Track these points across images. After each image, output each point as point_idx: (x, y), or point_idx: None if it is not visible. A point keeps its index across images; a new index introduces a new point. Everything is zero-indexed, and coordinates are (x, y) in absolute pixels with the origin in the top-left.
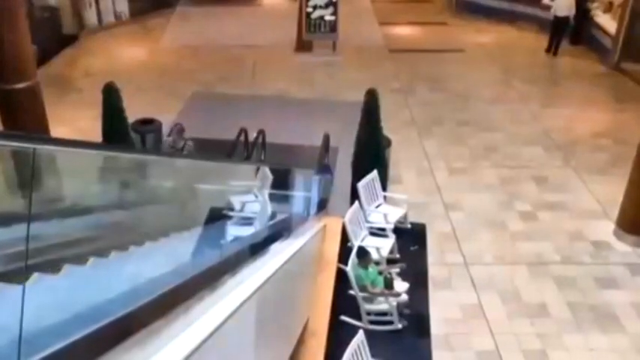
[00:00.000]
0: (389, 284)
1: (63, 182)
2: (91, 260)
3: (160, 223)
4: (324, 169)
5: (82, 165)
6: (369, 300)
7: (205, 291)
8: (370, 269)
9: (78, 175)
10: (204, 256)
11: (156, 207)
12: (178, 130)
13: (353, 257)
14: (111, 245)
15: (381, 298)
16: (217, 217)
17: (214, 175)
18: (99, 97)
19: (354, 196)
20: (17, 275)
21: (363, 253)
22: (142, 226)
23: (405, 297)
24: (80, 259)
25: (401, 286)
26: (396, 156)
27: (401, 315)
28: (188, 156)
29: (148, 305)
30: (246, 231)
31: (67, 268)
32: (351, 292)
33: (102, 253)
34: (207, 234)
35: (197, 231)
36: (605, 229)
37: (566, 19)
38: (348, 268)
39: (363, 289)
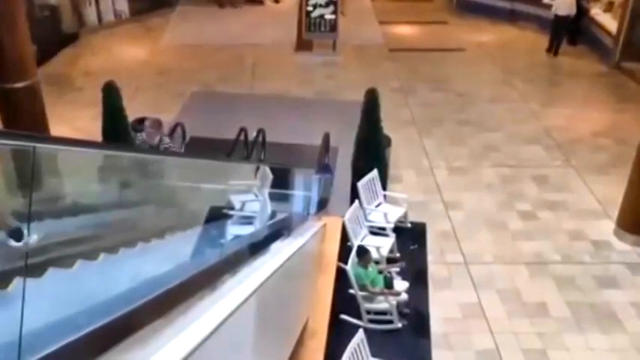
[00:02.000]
0: (389, 283)
1: (63, 181)
2: (83, 261)
3: (159, 223)
4: (324, 168)
5: (81, 164)
6: (369, 299)
7: (205, 290)
8: (370, 268)
9: (79, 175)
10: (203, 255)
11: (154, 206)
12: (152, 124)
13: (353, 256)
14: (109, 246)
15: (380, 297)
16: (217, 216)
17: (211, 174)
18: (99, 96)
19: (354, 195)
20: (20, 272)
21: (362, 252)
22: (139, 225)
23: (404, 296)
24: (71, 261)
25: (401, 285)
26: (396, 155)
27: (401, 314)
28: (189, 155)
29: (148, 304)
30: (246, 230)
31: (62, 268)
32: (351, 291)
33: (95, 254)
34: (207, 233)
35: (197, 230)
36: (605, 228)
37: (566, 18)
38: (348, 267)
39: (362, 288)
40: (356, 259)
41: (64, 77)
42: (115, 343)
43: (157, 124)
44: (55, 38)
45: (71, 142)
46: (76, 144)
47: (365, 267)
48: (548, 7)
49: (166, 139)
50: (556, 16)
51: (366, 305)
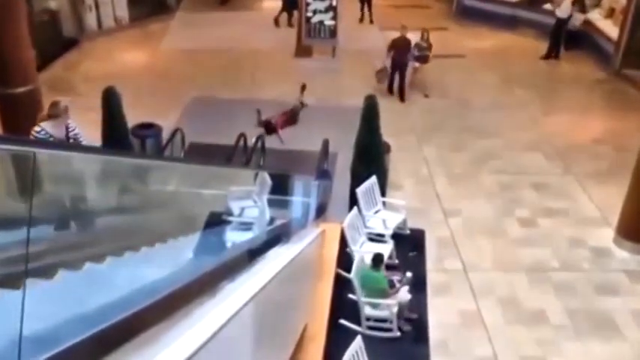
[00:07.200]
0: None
1: (67, 188)
2: (88, 265)
3: (158, 229)
4: (324, 174)
5: (81, 170)
6: (374, 306)
7: (203, 297)
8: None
9: (84, 181)
10: (202, 261)
11: (153, 211)
12: (63, 109)
13: (357, 264)
14: (107, 250)
15: (384, 304)
16: (216, 222)
17: (210, 179)
18: (99, 102)
19: (353, 201)
20: (17, 278)
21: (378, 259)
22: (137, 231)
23: (408, 296)
24: (77, 264)
25: (402, 291)
26: (395, 162)
27: (407, 320)
28: (190, 161)
29: (145, 310)
30: (245, 236)
31: (65, 272)
32: (353, 297)
33: (98, 257)
34: (206, 239)
35: (196, 236)
36: (605, 235)
37: (567, 20)
38: (352, 275)
39: (382, 292)
40: (367, 264)
41: (64, 82)
42: (114, 347)
43: (65, 110)
44: (56, 43)
45: (71, 147)
46: (75, 149)
47: (379, 271)
48: (549, 13)
49: (75, 128)
50: (558, 19)
51: (368, 312)
